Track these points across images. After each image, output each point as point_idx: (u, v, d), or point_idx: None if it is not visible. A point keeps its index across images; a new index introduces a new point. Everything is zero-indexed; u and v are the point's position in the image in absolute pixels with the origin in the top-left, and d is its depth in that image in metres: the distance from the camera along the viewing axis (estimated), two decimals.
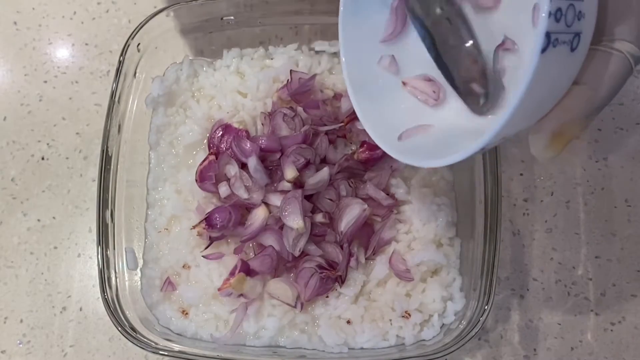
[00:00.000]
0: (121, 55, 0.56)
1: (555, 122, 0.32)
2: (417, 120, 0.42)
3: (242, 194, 0.53)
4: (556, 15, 0.27)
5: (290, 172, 0.52)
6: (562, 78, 0.30)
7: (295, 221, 0.50)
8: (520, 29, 0.34)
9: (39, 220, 0.63)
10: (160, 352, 0.50)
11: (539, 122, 0.32)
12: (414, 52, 0.44)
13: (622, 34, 0.31)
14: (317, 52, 0.60)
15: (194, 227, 0.55)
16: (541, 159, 0.33)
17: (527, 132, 0.34)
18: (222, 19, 0.59)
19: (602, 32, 0.31)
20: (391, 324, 0.52)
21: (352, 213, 0.52)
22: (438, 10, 0.38)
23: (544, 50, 0.27)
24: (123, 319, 0.51)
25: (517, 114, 0.28)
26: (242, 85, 0.58)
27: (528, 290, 0.58)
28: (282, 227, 0.52)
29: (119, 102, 0.56)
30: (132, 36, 0.56)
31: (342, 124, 0.55)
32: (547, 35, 0.27)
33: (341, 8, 0.44)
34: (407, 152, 0.39)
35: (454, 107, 0.41)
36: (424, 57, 0.42)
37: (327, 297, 0.53)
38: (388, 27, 0.44)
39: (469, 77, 0.37)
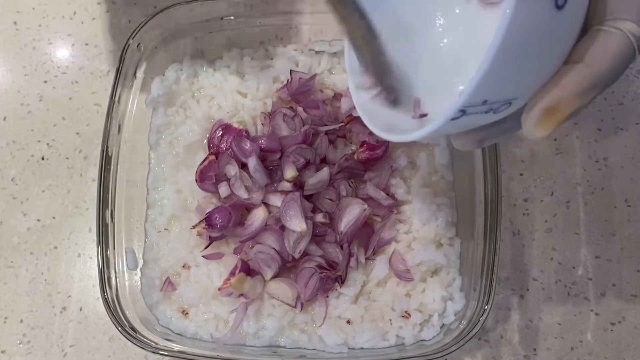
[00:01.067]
0: (121, 55, 0.56)
1: (547, 99, 0.31)
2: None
3: (242, 194, 0.53)
4: None
5: (290, 172, 0.52)
6: (547, 39, 0.29)
7: (298, 225, 0.50)
8: None
9: (39, 220, 0.63)
10: (160, 352, 0.50)
11: (530, 100, 0.32)
12: None
13: (624, 13, 0.30)
14: (317, 52, 0.60)
15: (194, 227, 0.55)
16: (531, 137, 0.33)
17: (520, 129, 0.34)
18: (222, 19, 0.59)
19: (603, 11, 0.30)
20: (391, 324, 0.52)
21: (352, 213, 0.52)
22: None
23: None
24: (123, 319, 0.51)
25: (497, 67, 0.27)
26: (242, 85, 0.58)
27: (528, 290, 0.58)
28: (282, 227, 0.52)
29: (119, 102, 0.56)
30: (132, 36, 0.56)
31: (342, 124, 0.55)
32: None
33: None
34: (392, 131, 0.38)
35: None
36: None
37: (327, 297, 0.53)
38: None
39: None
